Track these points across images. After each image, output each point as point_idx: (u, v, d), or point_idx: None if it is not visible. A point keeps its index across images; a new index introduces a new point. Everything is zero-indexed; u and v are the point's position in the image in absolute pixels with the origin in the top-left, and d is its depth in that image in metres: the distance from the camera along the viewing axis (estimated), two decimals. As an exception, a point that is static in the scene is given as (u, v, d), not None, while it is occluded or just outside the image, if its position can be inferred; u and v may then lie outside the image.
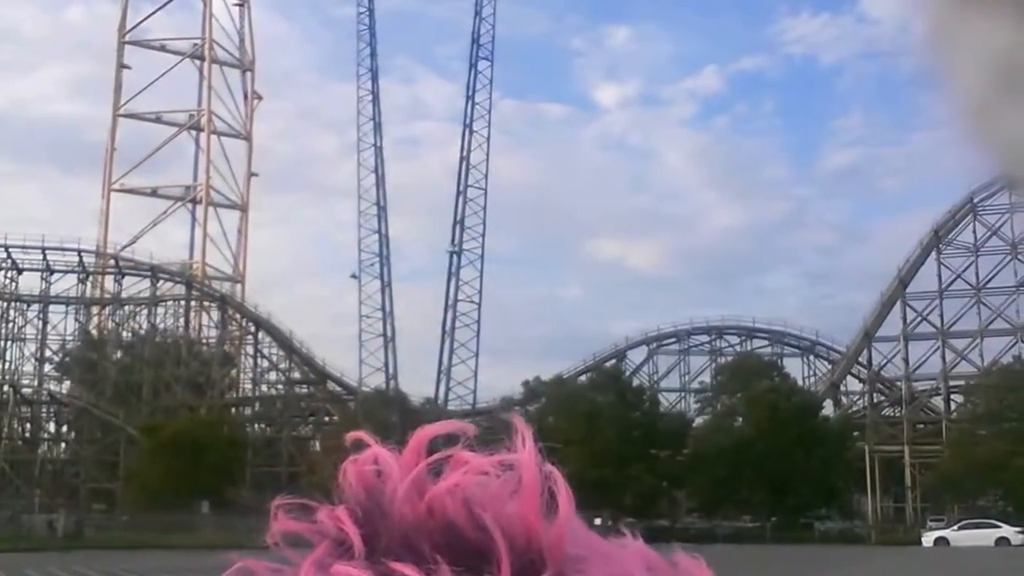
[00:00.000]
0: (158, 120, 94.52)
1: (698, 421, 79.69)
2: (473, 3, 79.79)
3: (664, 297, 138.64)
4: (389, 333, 75.64)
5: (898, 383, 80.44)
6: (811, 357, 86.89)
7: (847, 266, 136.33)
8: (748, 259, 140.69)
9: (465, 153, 78.13)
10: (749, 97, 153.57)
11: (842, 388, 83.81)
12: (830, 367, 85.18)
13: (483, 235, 76.70)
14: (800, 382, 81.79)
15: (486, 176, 77.37)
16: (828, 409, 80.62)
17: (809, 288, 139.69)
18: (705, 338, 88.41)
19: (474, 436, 0.64)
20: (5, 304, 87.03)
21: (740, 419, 73.60)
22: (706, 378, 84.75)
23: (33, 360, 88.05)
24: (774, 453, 67.08)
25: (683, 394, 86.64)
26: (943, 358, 79.40)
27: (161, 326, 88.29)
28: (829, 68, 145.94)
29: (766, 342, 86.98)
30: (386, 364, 75.18)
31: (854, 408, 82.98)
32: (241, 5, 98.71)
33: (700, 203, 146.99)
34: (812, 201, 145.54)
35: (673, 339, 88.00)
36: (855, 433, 77.63)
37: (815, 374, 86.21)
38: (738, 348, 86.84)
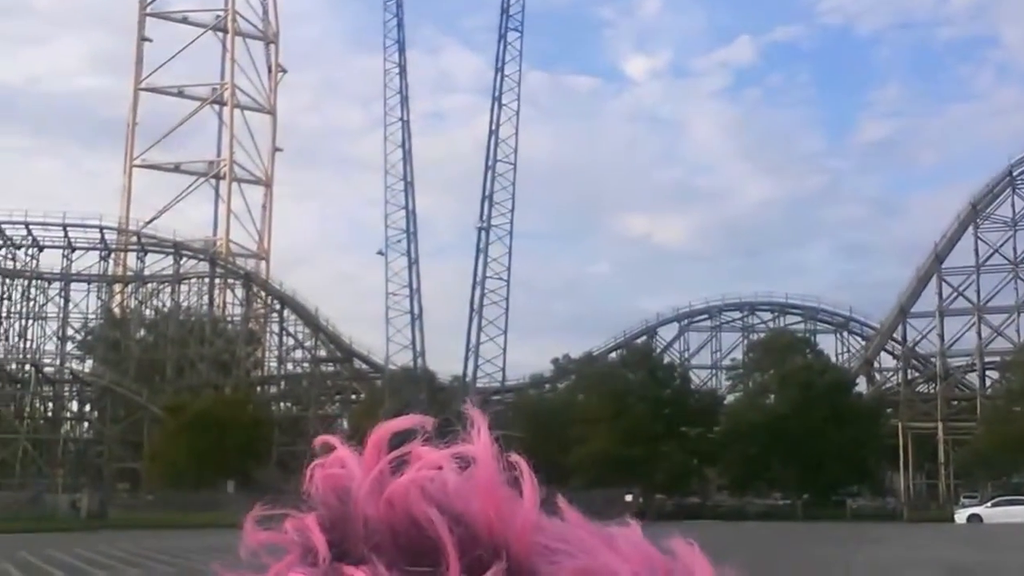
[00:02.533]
0: (180, 94, 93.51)
1: (729, 398, 78.81)
2: (502, -27, 77.90)
3: (695, 273, 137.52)
4: (416, 310, 74.55)
5: (933, 359, 79.37)
6: (845, 333, 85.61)
7: (882, 241, 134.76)
8: (781, 234, 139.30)
9: (494, 127, 76.59)
10: (783, 68, 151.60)
11: (876, 364, 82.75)
12: (864, 343, 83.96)
13: (512, 211, 75.34)
14: (833, 358, 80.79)
15: (515, 151, 75.88)
16: (862, 386, 79.76)
17: (843, 263, 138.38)
18: (737, 314, 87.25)
19: (433, 429, 0.63)
20: (26, 282, 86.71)
21: (772, 396, 72.69)
22: (738, 355, 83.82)
23: (55, 339, 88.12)
24: (806, 430, 66.21)
25: (714, 371, 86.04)
26: (979, 334, 78.38)
27: (185, 304, 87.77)
28: (865, 38, 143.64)
29: (799, 318, 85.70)
30: (413, 342, 74.14)
31: (888, 385, 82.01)
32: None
33: (732, 177, 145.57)
34: (846, 174, 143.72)
35: (704, 315, 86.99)
36: (888, 410, 76.87)
37: (849, 350, 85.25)
38: (771, 324, 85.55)
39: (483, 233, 75.36)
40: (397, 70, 77.40)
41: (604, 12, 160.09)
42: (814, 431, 66.06)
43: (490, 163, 75.99)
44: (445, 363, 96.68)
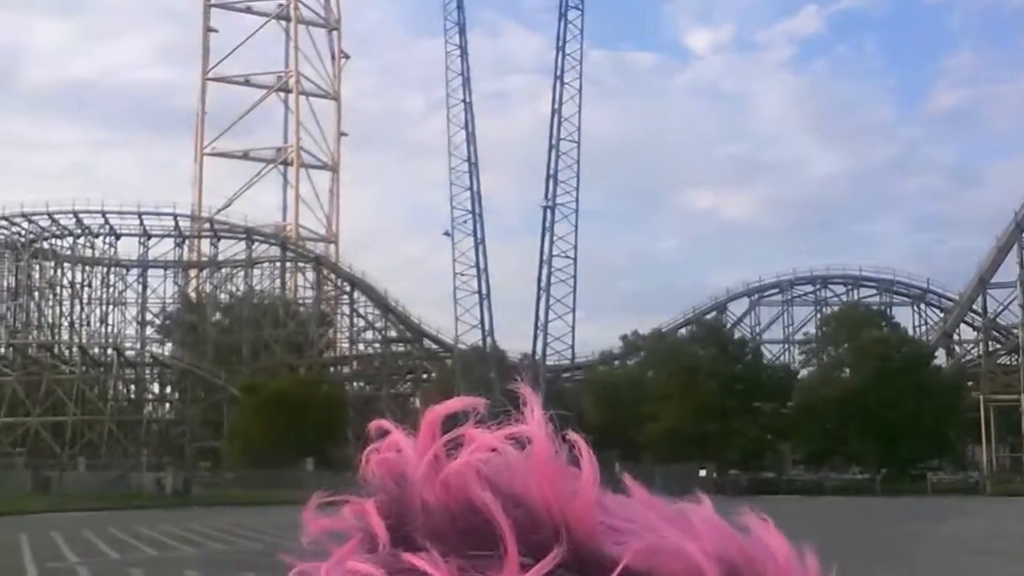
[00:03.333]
0: (247, 83, 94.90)
1: (803, 373, 77.83)
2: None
3: (765, 247, 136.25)
4: (484, 290, 74.92)
5: (1015, 331, 77.20)
6: (922, 305, 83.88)
7: (959, 210, 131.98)
8: (852, 206, 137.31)
9: (556, 106, 76.46)
10: (850, 38, 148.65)
11: (955, 337, 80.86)
12: (942, 315, 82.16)
13: (577, 189, 75.20)
14: (911, 331, 79.31)
15: (578, 129, 75.69)
16: (941, 359, 77.91)
17: (918, 234, 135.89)
18: (809, 288, 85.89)
19: (485, 410, 0.61)
20: (105, 269, 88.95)
21: (847, 370, 71.52)
22: (811, 329, 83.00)
23: (135, 323, 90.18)
24: (883, 404, 65.28)
25: (787, 346, 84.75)
26: (1063, 304, 75.82)
27: (258, 287, 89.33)
28: (936, 4, 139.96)
29: (874, 291, 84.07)
30: (482, 321, 74.60)
31: (968, 357, 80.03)
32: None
33: (800, 149, 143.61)
34: (919, 144, 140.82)
35: (775, 290, 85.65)
36: (969, 383, 74.94)
37: (926, 323, 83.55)
38: (844, 298, 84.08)
39: (548, 212, 75.41)
40: (458, 52, 77.60)
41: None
42: (892, 405, 65.03)
43: (553, 142, 75.94)
44: (514, 342, 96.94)
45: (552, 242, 74.99)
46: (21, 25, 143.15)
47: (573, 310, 74.82)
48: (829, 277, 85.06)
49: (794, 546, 0.57)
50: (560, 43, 76.90)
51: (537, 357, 74.77)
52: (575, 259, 74.54)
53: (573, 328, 75.19)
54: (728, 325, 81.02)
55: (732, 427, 67.53)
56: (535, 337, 75.41)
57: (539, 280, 75.19)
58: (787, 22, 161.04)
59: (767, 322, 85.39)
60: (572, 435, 0.59)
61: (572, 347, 76.32)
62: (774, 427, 71.64)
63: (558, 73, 76.66)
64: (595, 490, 0.56)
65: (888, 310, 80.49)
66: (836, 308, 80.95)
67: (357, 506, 0.59)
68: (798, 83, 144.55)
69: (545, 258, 75.13)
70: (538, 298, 75.13)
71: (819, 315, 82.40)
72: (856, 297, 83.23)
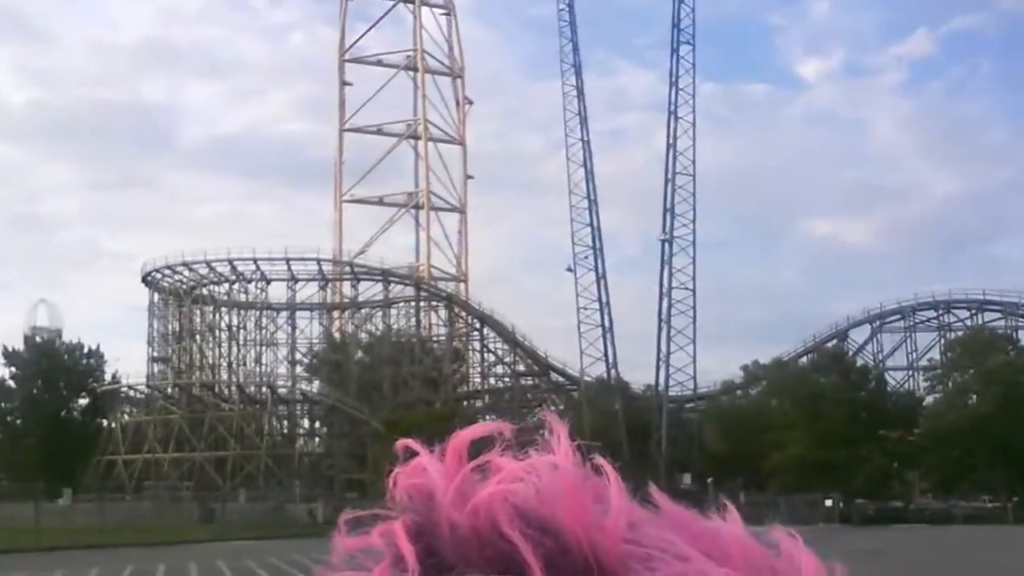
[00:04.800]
0: (379, 132, 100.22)
1: (928, 400, 77.27)
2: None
3: (885, 273, 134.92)
4: (607, 323, 77.74)
5: None
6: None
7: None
8: (974, 228, 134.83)
9: (671, 140, 78.92)
10: (964, 59, 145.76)
11: (1089, 358, 78.54)
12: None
13: (694, 221, 77.32)
14: (1041, 355, 77.46)
15: (693, 162, 77.89)
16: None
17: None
18: (932, 313, 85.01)
19: (512, 436, 0.63)
20: (258, 313, 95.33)
21: (974, 397, 70.90)
22: (935, 355, 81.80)
23: (286, 363, 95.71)
24: (1013, 431, 64.52)
25: (911, 372, 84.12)
26: None
27: (395, 326, 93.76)
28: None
29: (999, 315, 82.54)
30: (605, 353, 77.33)
31: (1105, 379, 77.69)
32: (448, 14, 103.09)
33: (917, 173, 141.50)
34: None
35: (897, 316, 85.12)
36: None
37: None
38: (968, 323, 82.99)
39: (666, 245, 77.78)
40: (575, 92, 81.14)
41: (773, 18, 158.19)
42: (1022, 432, 64.37)
43: (669, 176, 78.36)
44: (638, 373, 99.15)
45: (671, 274, 77.36)
46: (179, 88, 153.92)
47: (694, 341, 76.82)
48: (952, 302, 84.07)
49: (825, 564, 0.59)
50: (673, 78, 79.44)
51: (660, 388, 77.15)
52: (694, 291, 76.69)
53: (694, 359, 77.14)
54: (850, 352, 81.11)
55: (858, 455, 67.73)
56: (657, 368, 77.70)
57: (659, 312, 77.59)
58: (898, 46, 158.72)
59: (890, 349, 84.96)
60: (600, 461, 0.61)
61: (694, 377, 78.15)
62: (900, 455, 71.46)
63: (671, 108, 79.20)
64: (624, 517, 0.58)
65: (1015, 334, 79.10)
66: (960, 333, 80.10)
67: (385, 527, 0.61)
68: (913, 106, 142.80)
69: (665, 290, 77.56)
70: (659, 330, 77.47)
71: (943, 341, 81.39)
72: (981, 321, 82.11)
